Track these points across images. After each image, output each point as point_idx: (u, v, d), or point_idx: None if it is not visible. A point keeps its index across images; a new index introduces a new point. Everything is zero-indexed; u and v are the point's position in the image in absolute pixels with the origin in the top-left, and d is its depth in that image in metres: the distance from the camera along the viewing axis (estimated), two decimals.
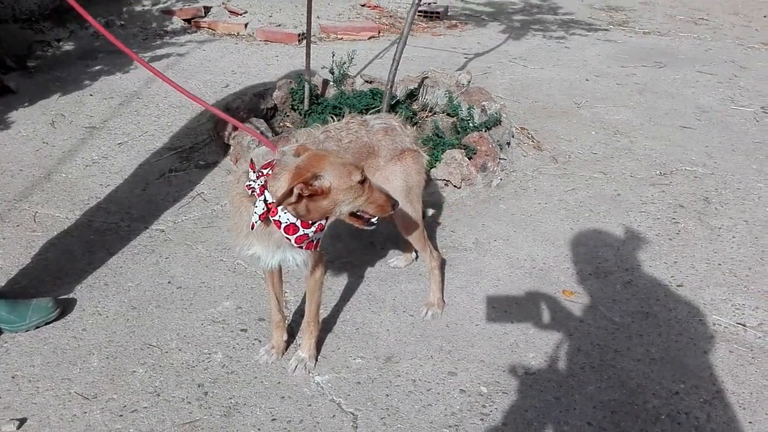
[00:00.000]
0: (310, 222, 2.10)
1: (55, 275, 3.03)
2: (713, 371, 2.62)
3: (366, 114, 4.38)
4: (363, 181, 2.08)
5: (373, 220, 2.19)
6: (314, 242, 2.19)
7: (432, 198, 3.81)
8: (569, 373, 2.58)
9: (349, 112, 4.33)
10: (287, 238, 2.10)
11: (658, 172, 4.28)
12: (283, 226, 2.07)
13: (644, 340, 2.77)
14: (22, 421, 2.27)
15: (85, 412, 2.32)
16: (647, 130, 4.93)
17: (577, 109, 5.28)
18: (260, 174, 2.08)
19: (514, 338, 2.77)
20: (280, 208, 2.05)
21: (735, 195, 4.01)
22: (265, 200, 2.05)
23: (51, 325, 2.71)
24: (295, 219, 2.07)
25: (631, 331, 2.83)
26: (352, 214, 2.16)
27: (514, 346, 2.72)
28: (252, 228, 2.10)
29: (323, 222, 2.15)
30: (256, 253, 2.24)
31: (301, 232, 2.09)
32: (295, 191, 1.98)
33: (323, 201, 2.04)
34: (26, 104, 4.83)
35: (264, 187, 2.05)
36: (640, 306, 2.99)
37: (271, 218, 2.08)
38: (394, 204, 2.20)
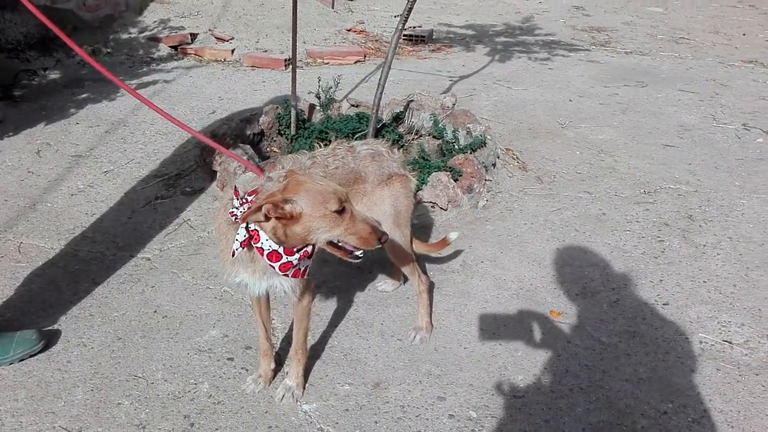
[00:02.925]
0: (294, 249, 2.10)
1: (39, 306, 3.00)
2: (701, 390, 2.62)
3: (353, 138, 4.42)
4: (341, 211, 2.02)
5: (358, 252, 2.11)
6: (301, 270, 2.18)
7: (419, 220, 3.82)
8: (558, 395, 2.58)
9: (336, 137, 4.40)
10: (271, 265, 2.09)
11: (642, 190, 4.32)
12: (265, 253, 2.07)
13: (632, 360, 2.78)
14: None
15: None
16: (631, 149, 4.99)
17: (561, 130, 5.33)
18: (244, 201, 2.09)
19: (503, 361, 2.76)
20: (262, 234, 2.05)
21: (719, 212, 4.05)
22: (247, 227, 2.06)
23: (35, 357, 2.67)
24: (277, 246, 2.07)
25: (619, 351, 2.83)
26: (333, 245, 2.10)
27: (502, 369, 2.71)
28: (233, 255, 2.10)
29: (308, 249, 2.14)
30: (243, 281, 2.23)
31: (284, 259, 2.09)
32: (263, 209, 1.97)
33: (295, 227, 2.01)
34: (11, 133, 4.82)
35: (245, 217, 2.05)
36: (627, 325, 3.00)
37: (253, 245, 2.08)
38: (381, 237, 2.09)
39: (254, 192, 2.08)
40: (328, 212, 2.00)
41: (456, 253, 3.55)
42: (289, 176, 2.12)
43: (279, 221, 2.00)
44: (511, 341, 2.88)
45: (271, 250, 2.07)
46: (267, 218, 1.99)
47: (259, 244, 2.06)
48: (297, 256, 2.11)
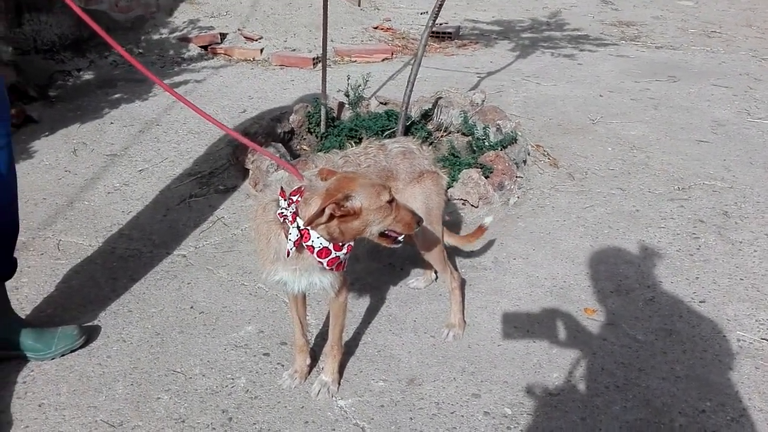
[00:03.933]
0: (341, 244, 2.14)
1: (79, 303, 3.07)
2: (739, 388, 2.59)
3: (382, 135, 4.43)
4: (391, 201, 2.13)
5: (400, 238, 2.23)
6: (343, 263, 2.23)
7: (450, 217, 3.82)
8: (594, 393, 2.57)
9: (365, 135, 4.42)
10: (320, 261, 2.14)
11: (676, 186, 4.27)
12: (316, 250, 2.11)
13: (668, 358, 2.75)
14: None
15: None
16: (664, 145, 4.92)
17: (592, 125, 5.28)
18: (290, 201, 2.11)
19: (537, 358, 2.75)
20: (313, 233, 2.09)
21: (755, 208, 3.98)
22: (298, 227, 2.09)
23: (76, 352, 2.73)
24: (328, 243, 2.11)
25: (655, 348, 2.81)
26: (381, 234, 2.19)
27: (537, 366, 2.71)
28: (288, 255, 2.13)
29: (352, 243, 2.19)
30: (282, 279, 2.27)
31: (333, 254, 2.14)
32: (327, 211, 2.02)
33: (355, 222, 2.08)
34: (48, 133, 4.93)
35: (296, 214, 2.09)
36: (663, 323, 2.97)
37: (304, 244, 2.11)
38: (419, 221, 2.24)
39: (298, 192, 2.11)
40: (383, 203, 2.09)
41: (488, 250, 3.55)
42: (324, 173, 2.15)
43: (339, 219, 2.05)
44: (545, 339, 2.87)
45: (321, 247, 2.11)
46: (331, 218, 2.04)
47: (309, 243, 2.10)
48: (344, 251, 2.16)
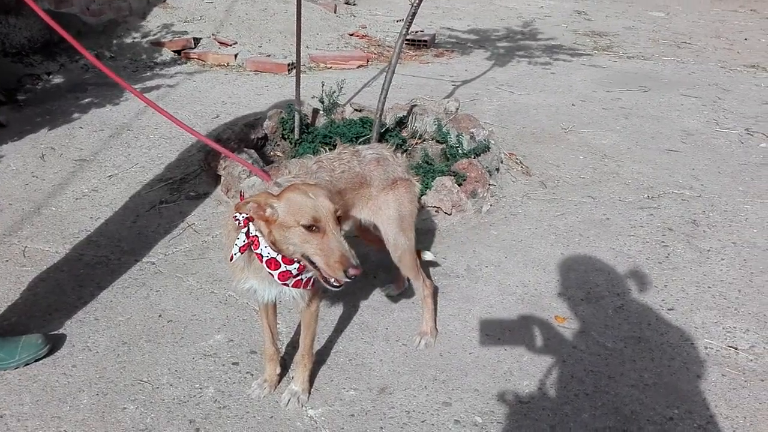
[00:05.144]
0: (294, 259, 2.09)
1: (44, 311, 3.00)
2: (706, 396, 2.62)
3: (356, 142, 4.43)
4: (311, 227, 1.96)
5: (333, 281, 1.98)
6: (303, 280, 2.18)
7: (423, 225, 3.82)
8: (563, 400, 2.58)
9: (340, 141, 4.40)
10: (270, 273, 2.10)
11: (646, 195, 4.32)
12: (264, 259, 2.08)
13: (637, 366, 2.78)
14: None
15: None
16: (634, 154, 4.99)
17: (564, 134, 5.34)
18: None
19: (508, 366, 2.76)
20: (261, 240, 2.06)
21: (723, 217, 4.05)
22: (247, 232, 2.06)
23: (41, 361, 2.67)
24: (275, 253, 2.07)
25: (624, 356, 2.83)
26: (309, 261, 2.02)
27: (508, 374, 2.71)
28: (231, 259, 2.10)
29: None
30: (252, 287, 2.24)
31: (283, 268, 2.09)
32: (249, 205, 2.00)
33: (276, 232, 2.01)
34: (16, 138, 4.83)
35: (249, 220, 2.06)
36: (632, 331, 3.00)
37: (253, 251, 2.08)
38: (349, 270, 1.94)
39: None
40: (296, 225, 1.97)
41: (460, 258, 3.55)
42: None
43: (266, 224, 2.02)
44: (516, 346, 2.88)
45: (269, 257, 2.08)
46: (251, 218, 2.02)
47: (258, 251, 2.07)
48: (296, 266, 2.10)
